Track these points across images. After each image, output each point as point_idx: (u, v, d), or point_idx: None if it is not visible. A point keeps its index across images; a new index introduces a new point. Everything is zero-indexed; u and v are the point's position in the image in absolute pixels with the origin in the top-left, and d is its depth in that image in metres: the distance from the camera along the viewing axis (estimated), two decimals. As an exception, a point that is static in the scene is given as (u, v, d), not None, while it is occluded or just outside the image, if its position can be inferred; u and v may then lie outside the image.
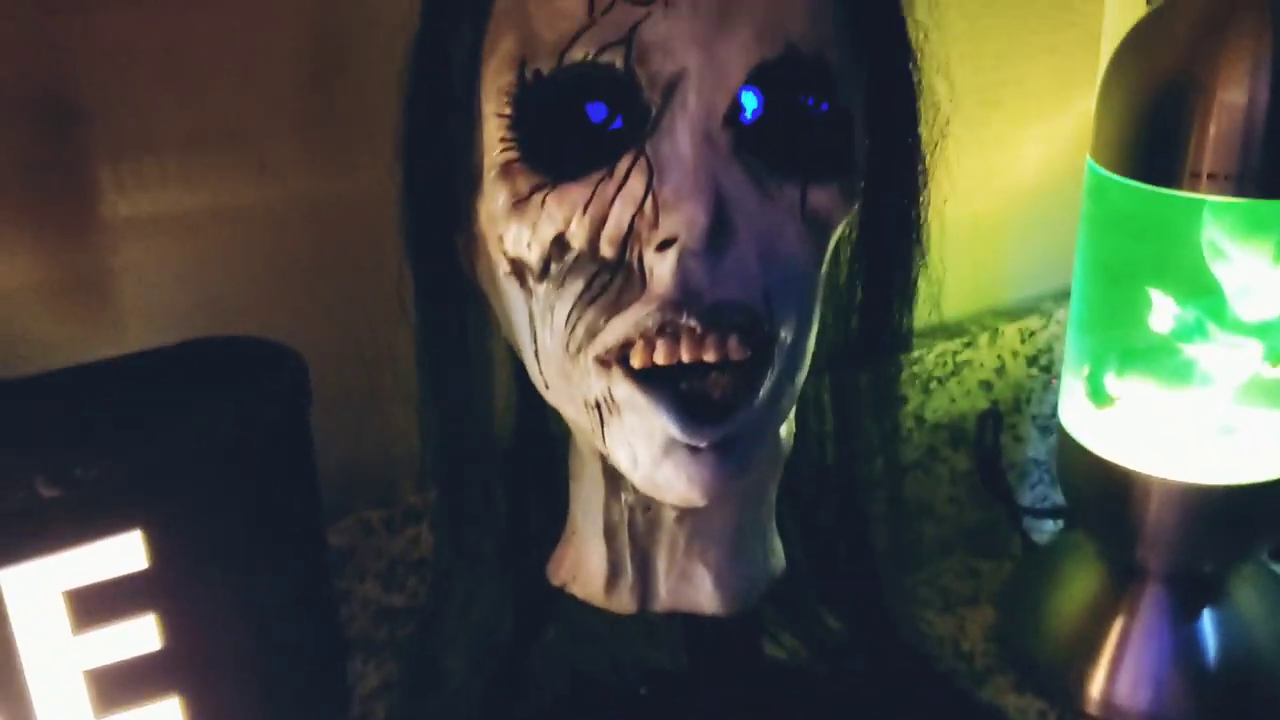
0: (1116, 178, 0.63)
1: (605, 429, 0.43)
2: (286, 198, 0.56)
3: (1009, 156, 0.79)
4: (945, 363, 0.77)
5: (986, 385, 0.80)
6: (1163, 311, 0.65)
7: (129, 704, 0.46)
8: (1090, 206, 0.67)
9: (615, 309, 0.41)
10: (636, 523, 0.50)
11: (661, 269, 0.40)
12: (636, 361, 0.41)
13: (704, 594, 0.51)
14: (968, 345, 0.78)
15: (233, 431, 0.45)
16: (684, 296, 0.40)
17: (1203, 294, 0.64)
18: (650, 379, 0.42)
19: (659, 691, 0.67)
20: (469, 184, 0.44)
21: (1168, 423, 0.66)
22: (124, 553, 0.44)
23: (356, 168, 0.56)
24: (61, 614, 0.44)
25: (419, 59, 0.45)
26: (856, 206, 0.45)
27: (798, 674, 0.69)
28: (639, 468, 0.43)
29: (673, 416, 0.41)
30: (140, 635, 0.45)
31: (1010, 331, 0.79)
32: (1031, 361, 0.81)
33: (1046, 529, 0.83)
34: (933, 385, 0.77)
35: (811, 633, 0.66)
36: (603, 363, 0.42)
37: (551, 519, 0.61)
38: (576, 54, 0.40)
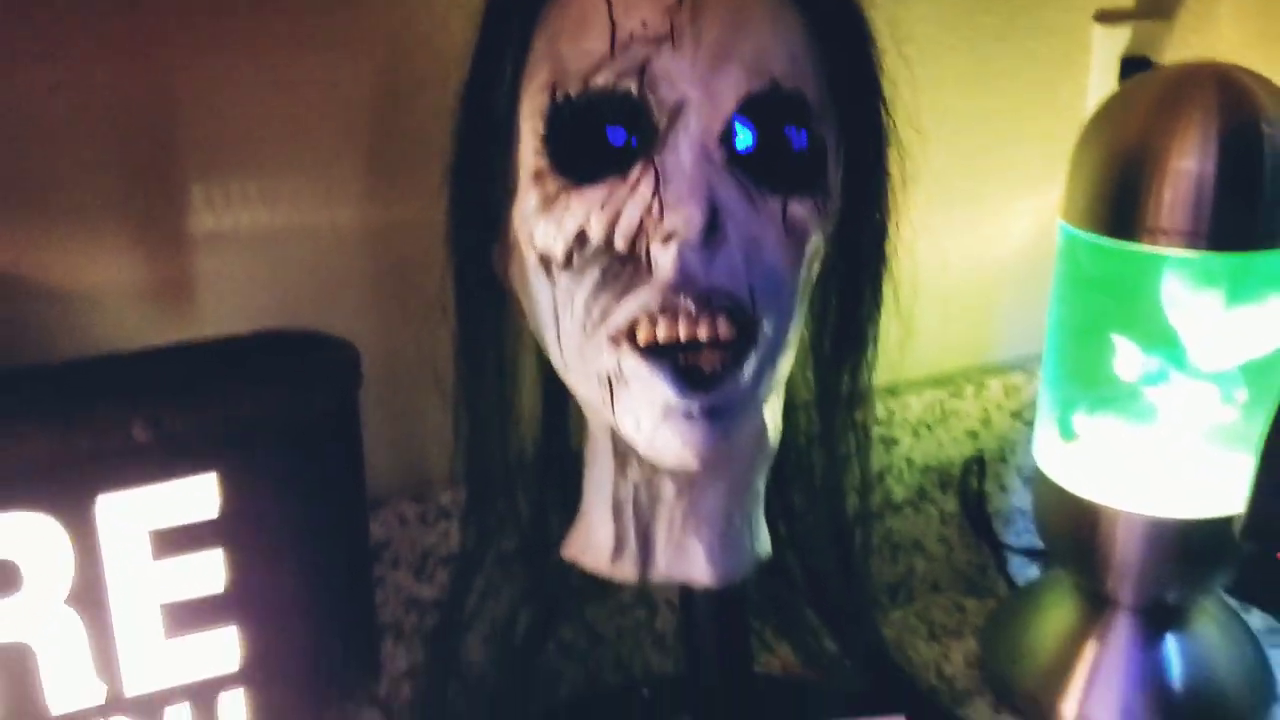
0: (1085, 235, 0.70)
1: (614, 400, 0.51)
2: (350, 219, 0.65)
3: (1000, 229, 0.87)
4: (934, 410, 0.84)
5: (973, 434, 0.86)
6: (1127, 359, 0.72)
7: (195, 629, 0.53)
8: (1062, 263, 0.74)
9: (625, 293, 0.49)
10: (640, 500, 0.57)
11: (664, 259, 0.48)
12: (642, 338, 0.49)
13: (697, 566, 0.57)
14: (954, 396, 0.85)
15: (295, 401, 0.53)
16: (682, 282, 0.48)
17: (1164, 343, 0.70)
18: (653, 354, 0.49)
19: (659, 693, 0.73)
20: (505, 198, 0.53)
21: (1133, 460, 0.72)
22: (199, 494, 0.52)
23: (410, 195, 0.64)
24: (144, 542, 0.51)
25: (469, 92, 0.54)
26: (830, 223, 0.53)
27: (786, 681, 0.75)
28: (642, 432, 0.51)
29: (671, 384, 0.49)
30: (208, 569, 0.53)
31: (995, 385, 0.86)
32: (1015, 415, 0.88)
33: (1028, 569, 0.89)
34: (921, 431, 0.84)
35: (799, 634, 0.72)
36: (613, 340, 0.50)
37: (569, 523, 0.68)
38: (599, 81, 0.48)
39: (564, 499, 0.64)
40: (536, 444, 0.67)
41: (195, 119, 0.61)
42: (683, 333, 0.48)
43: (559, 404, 0.66)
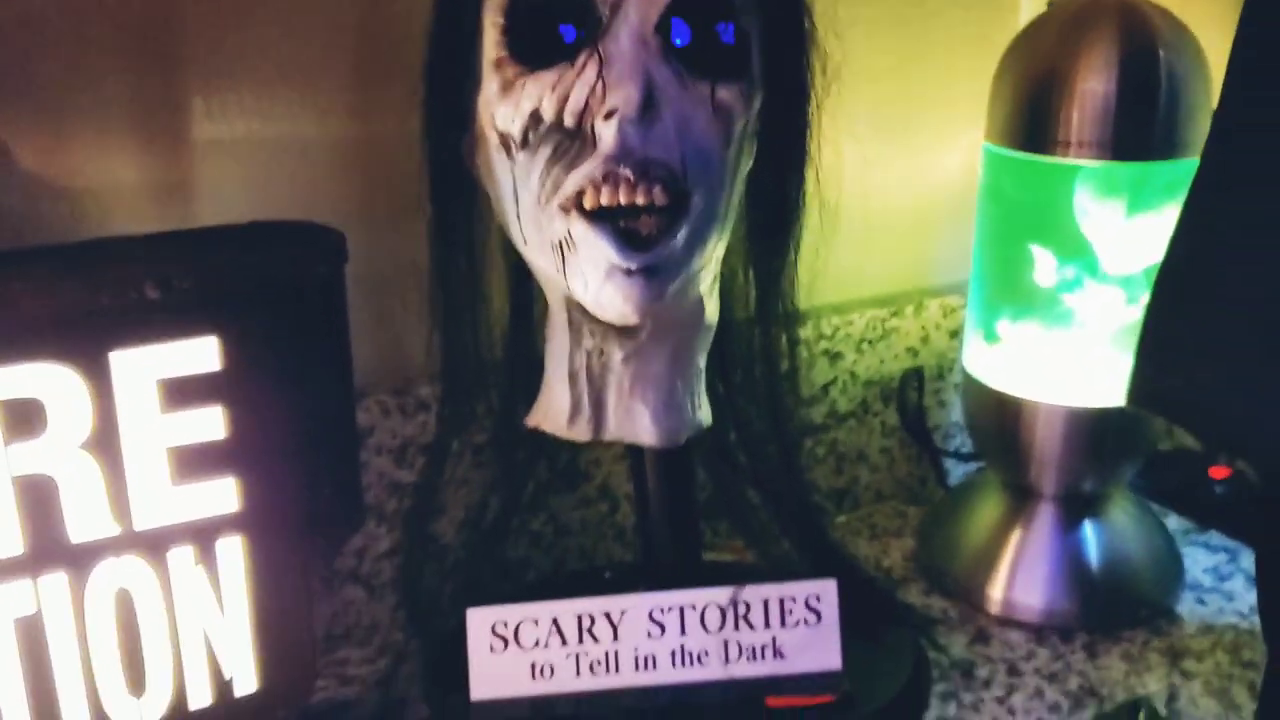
0: (1004, 151, 0.78)
1: (566, 265, 0.58)
2: (337, 126, 0.72)
3: (936, 160, 0.94)
4: (875, 327, 0.91)
5: (912, 351, 0.94)
6: (1045, 267, 0.79)
7: (198, 478, 0.59)
8: (985, 181, 0.81)
9: (574, 166, 0.57)
10: (593, 368, 0.64)
11: (606, 133, 0.55)
12: (588, 204, 0.56)
13: (643, 428, 0.64)
14: (895, 315, 0.92)
15: (289, 271, 0.60)
16: (622, 153, 0.55)
17: (1077, 252, 0.78)
18: (598, 218, 0.57)
19: (620, 576, 0.80)
20: (471, 90, 0.60)
21: (1051, 359, 0.80)
22: (202, 353, 0.58)
23: (392, 105, 0.70)
24: (153, 395, 0.57)
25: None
26: (754, 108, 0.60)
27: (731, 566, 0.82)
28: (589, 291, 0.58)
29: (613, 245, 0.56)
30: (210, 423, 0.59)
31: (933, 306, 0.94)
32: (953, 335, 0.95)
33: (962, 472, 0.96)
34: (864, 346, 0.91)
35: (746, 523, 0.78)
36: (564, 209, 0.57)
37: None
38: None
39: (530, 395, 0.71)
40: (506, 343, 0.74)
41: (195, 34, 0.67)
42: (623, 198, 0.56)
43: (525, 303, 0.72)
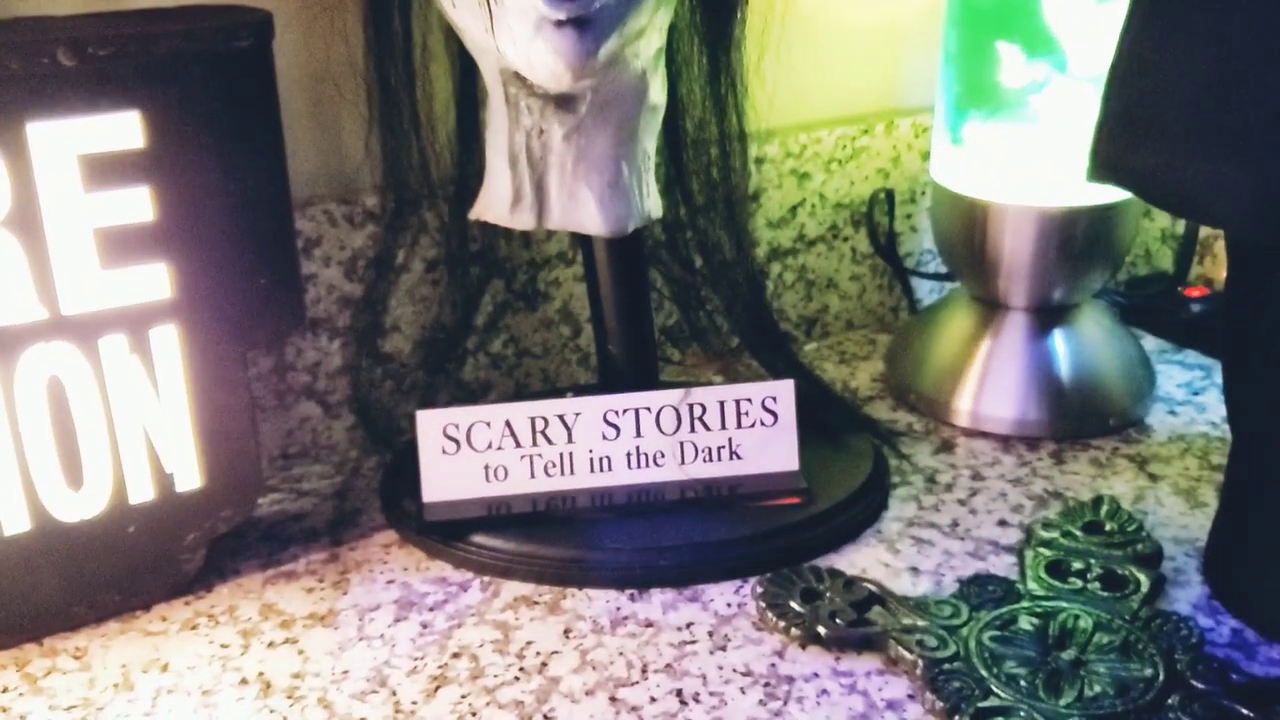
0: (970, -58, 0.75)
1: (494, 22, 0.55)
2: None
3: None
4: (844, 146, 0.89)
5: (883, 173, 0.91)
6: (1013, 65, 0.76)
7: (127, 262, 0.57)
8: (953, -24, 0.79)
9: None
10: (533, 149, 0.62)
11: None
12: None
13: (588, 214, 0.62)
14: (865, 133, 0.89)
15: (214, 44, 0.58)
16: None
17: (1045, 48, 0.75)
18: None
19: (578, 394, 0.79)
20: None
21: (1019, 160, 0.77)
22: (125, 127, 0.56)
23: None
24: (75, 174, 0.55)
25: None
26: None
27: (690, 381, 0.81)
28: (518, 47, 0.55)
29: None
30: (137, 204, 0.57)
31: (905, 125, 0.91)
32: (925, 156, 0.92)
33: (931, 293, 0.94)
34: (833, 166, 0.89)
35: (700, 330, 0.77)
36: None
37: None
38: None
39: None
40: (454, 147, 0.72)
41: None
42: None
43: (473, 104, 0.70)
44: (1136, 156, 0.59)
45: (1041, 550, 0.64)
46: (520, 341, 0.82)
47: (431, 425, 0.66)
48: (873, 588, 0.61)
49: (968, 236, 0.80)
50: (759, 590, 0.61)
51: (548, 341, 0.83)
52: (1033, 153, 0.77)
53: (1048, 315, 0.80)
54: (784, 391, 0.69)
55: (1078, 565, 0.63)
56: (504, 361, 0.81)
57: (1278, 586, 0.60)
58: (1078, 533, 0.66)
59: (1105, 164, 0.60)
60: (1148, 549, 0.65)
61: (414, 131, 0.66)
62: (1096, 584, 0.62)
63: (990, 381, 0.80)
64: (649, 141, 0.64)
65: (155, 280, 0.58)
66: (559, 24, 0.54)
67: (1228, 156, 0.55)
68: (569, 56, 0.54)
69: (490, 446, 0.67)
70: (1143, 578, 0.62)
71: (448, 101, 0.70)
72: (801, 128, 0.88)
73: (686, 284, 0.75)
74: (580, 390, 0.80)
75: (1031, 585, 0.62)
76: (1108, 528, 0.67)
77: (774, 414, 0.69)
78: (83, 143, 0.55)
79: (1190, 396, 0.84)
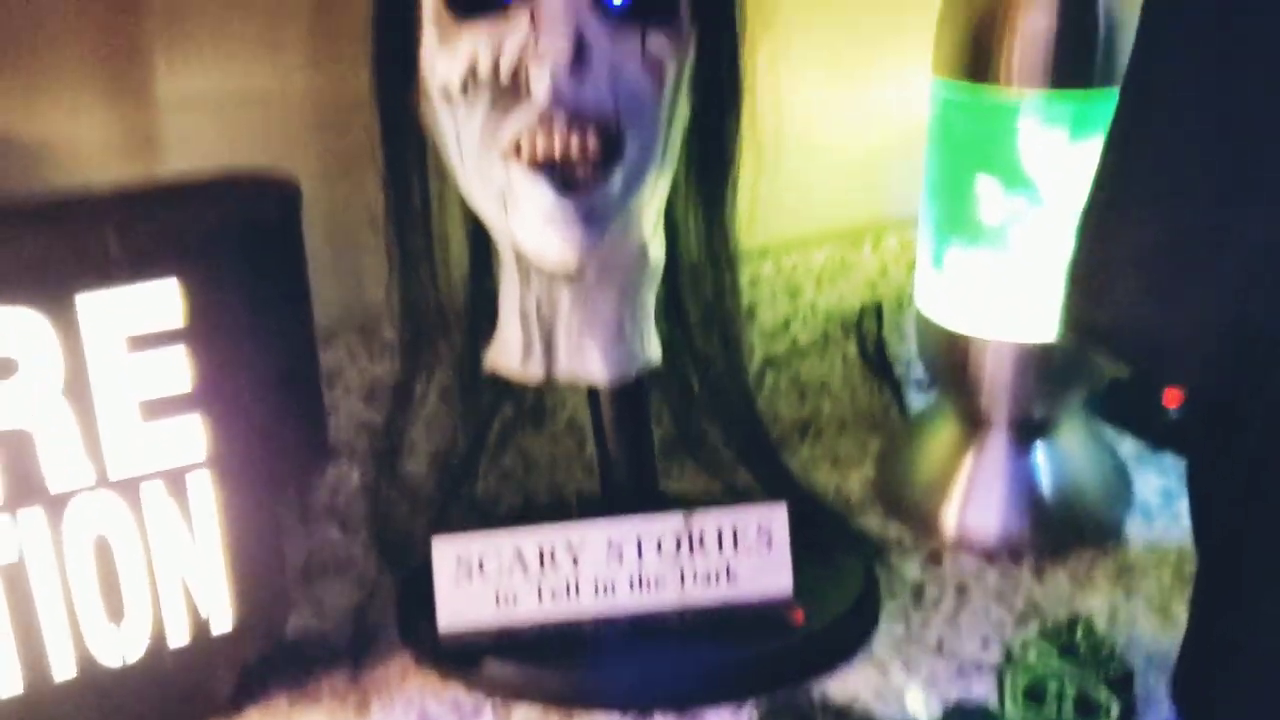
0: (951, 83, 0.79)
1: (508, 212, 0.61)
2: (294, 79, 0.74)
3: (888, 92, 0.95)
4: (835, 261, 0.93)
5: (872, 285, 0.96)
6: (991, 198, 0.81)
7: (166, 415, 0.62)
8: (934, 114, 0.83)
9: (509, 114, 0.59)
10: (542, 309, 0.67)
11: (539, 83, 0.57)
12: (525, 153, 0.59)
13: (593, 366, 0.67)
14: (853, 248, 0.94)
15: (246, 218, 0.62)
16: (555, 102, 0.58)
17: (1021, 182, 0.80)
18: (535, 167, 0.59)
19: (585, 508, 0.83)
20: (416, 43, 0.62)
21: (998, 291, 0.82)
22: (165, 297, 0.61)
23: (344, 58, 0.73)
24: (120, 337, 0.60)
25: None
26: (685, 54, 0.62)
27: (691, 496, 0.85)
28: (530, 236, 0.60)
29: (550, 191, 0.59)
30: (177, 366, 0.62)
31: (892, 240, 0.96)
32: (911, 267, 0.97)
33: (924, 401, 0.99)
34: (824, 281, 0.94)
35: (698, 450, 0.81)
36: (504, 157, 0.60)
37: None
38: None
39: (492, 335, 0.73)
40: (466, 288, 0.76)
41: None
42: (558, 145, 0.58)
43: (482, 248, 0.75)
44: (1100, 313, 0.64)
45: (1021, 672, 0.69)
46: (528, 455, 0.86)
47: (446, 552, 0.71)
48: (863, 717, 0.65)
49: (950, 360, 0.85)
50: (755, 716, 0.66)
51: (554, 454, 0.87)
52: (1012, 283, 0.81)
53: (1029, 431, 0.85)
54: (778, 516, 0.73)
55: (1054, 687, 0.67)
56: (513, 475, 0.86)
57: (1241, 714, 0.64)
58: (1055, 653, 0.70)
59: (1073, 323, 0.64)
60: (1119, 671, 0.69)
61: (432, 284, 0.71)
62: (1070, 708, 0.66)
63: (974, 496, 0.84)
64: (649, 295, 0.69)
65: (192, 435, 0.63)
66: (566, 218, 0.59)
67: (1184, 308, 0.59)
68: (575, 245, 0.59)
69: (501, 572, 0.71)
70: (1114, 704, 0.66)
71: (462, 247, 0.74)
72: (793, 245, 0.93)
73: (682, 404, 0.79)
74: (584, 499, 0.85)
75: (1009, 710, 0.66)
76: (1083, 649, 0.71)
77: (769, 537, 0.73)
78: (127, 312, 0.60)
79: (1166, 504, 0.88)
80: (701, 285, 0.72)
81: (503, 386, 0.82)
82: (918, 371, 1.00)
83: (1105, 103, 0.75)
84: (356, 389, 0.78)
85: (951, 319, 0.83)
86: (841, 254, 0.94)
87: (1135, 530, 0.85)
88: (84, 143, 0.69)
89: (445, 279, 0.73)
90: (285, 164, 0.73)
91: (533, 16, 0.58)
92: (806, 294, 0.93)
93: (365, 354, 0.78)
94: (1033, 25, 0.75)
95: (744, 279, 0.83)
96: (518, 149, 0.59)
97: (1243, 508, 0.62)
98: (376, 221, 0.71)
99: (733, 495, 0.82)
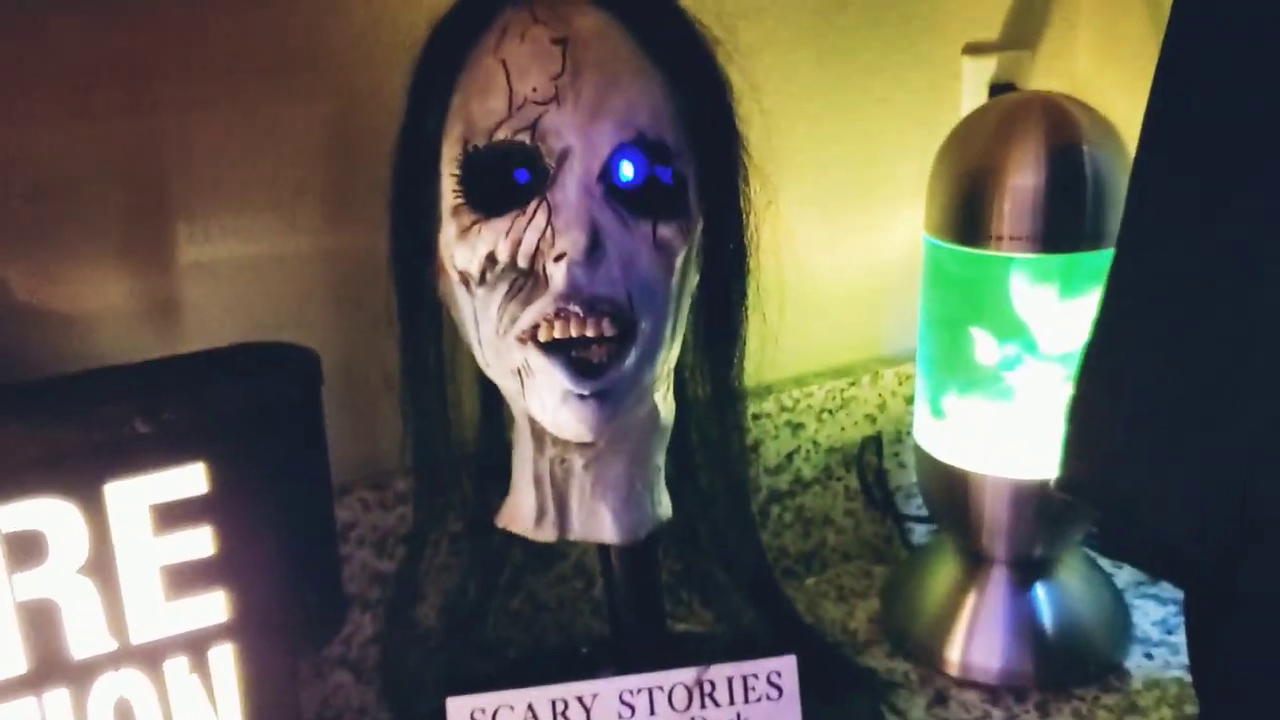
0: (942, 244, 0.82)
1: (525, 389, 0.63)
2: (311, 248, 0.76)
3: (883, 236, 0.98)
4: (835, 397, 0.96)
5: (871, 419, 0.98)
6: (985, 348, 0.83)
7: (190, 592, 0.63)
8: (927, 268, 0.86)
9: (528, 302, 0.61)
10: (556, 473, 0.68)
11: (556, 274, 0.60)
12: (543, 337, 0.61)
13: (605, 527, 0.69)
14: (853, 384, 0.97)
15: (268, 397, 0.64)
16: (571, 292, 0.60)
17: (1015, 333, 0.82)
18: (551, 349, 0.61)
19: (595, 652, 0.84)
20: (434, 225, 0.65)
21: (996, 433, 0.84)
22: (191, 478, 0.62)
23: (361, 226, 0.75)
24: (146, 520, 0.62)
25: (402, 142, 0.66)
26: (694, 240, 0.65)
27: (699, 636, 0.86)
28: (547, 413, 0.62)
29: (566, 374, 0.61)
30: (199, 541, 0.63)
31: (889, 375, 0.98)
32: (909, 400, 0.99)
33: (922, 534, 1.00)
34: (824, 416, 0.96)
35: (713, 596, 0.83)
36: (521, 340, 0.62)
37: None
38: (500, 135, 0.61)
39: (502, 485, 0.75)
40: (476, 438, 0.78)
41: (179, 168, 0.72)
42: (573, 332, 0.60)
43: (494, 404, 0.77)
44: (1092, 472, 0.66)
45: (1027, 824, 0.70)
46: (537, 597, 0.87)
47: (461, 712, 0.72)
48: None
49: (950, 498, 0.87)
50: None
51: (563, 595, 0.88)
52: (1009, 426, 0.83)
53: (1029, 568, 0.86)
54: (788, 667, 0.74)
55: (1060, 839, 0.68)
56: (522, 617, 0.87)
57: None
58: (1061, 802, 0.72)
59: (1068, 482, 0.66)
60: (1124, 822, 0.70)
61: (445, 442, 0.73)
62: None
63: (978, 634, 0.86)
64: (660, 455, 0.70)
65: (213, 606, 0.64)
66: (582, 397, 0.61)
67: (1174, 471, 0.61)
68: (591, 423, 0.61)
69: (515, 729, 0.72)
70: None
71: (474, 404, 0.76)
72: (794, 383, 0.95)
73: (689, 547, 0.81)
74: (595, 646, 0.86)
75: None
76: (1088, 799, 0.72)
77: (779, 688, 0.74)
78: (153, 495, 0.62)
79: (1165, 636, 0.89)
80: (708, 431, 0.74)
81: (511, 534, 0.84)
82: (919, 503, 1.02)
83: (1095, 261, 0.78)
84: (369, 541, 0.80)
85: (950, 457, 0.86)
86: (841, 389, 0.96)
87: (1135, 664, 0.86)
88: (106, 315, 0.71)
89: (458, 436, 0.75)
90: (303, 323, 0.76)
91: (549, 211, 0.60)
92: (809, 429, 0.95)
93: (378, 506, 0.80)
94: (1021, 188, 0.78)
95: (747, 417, 0.85)
96: (535, 333, 0.61)
97: (1245, 669, 0.63)
98: (390, 380, 0.73)
99: (740, 633, 0.83)
